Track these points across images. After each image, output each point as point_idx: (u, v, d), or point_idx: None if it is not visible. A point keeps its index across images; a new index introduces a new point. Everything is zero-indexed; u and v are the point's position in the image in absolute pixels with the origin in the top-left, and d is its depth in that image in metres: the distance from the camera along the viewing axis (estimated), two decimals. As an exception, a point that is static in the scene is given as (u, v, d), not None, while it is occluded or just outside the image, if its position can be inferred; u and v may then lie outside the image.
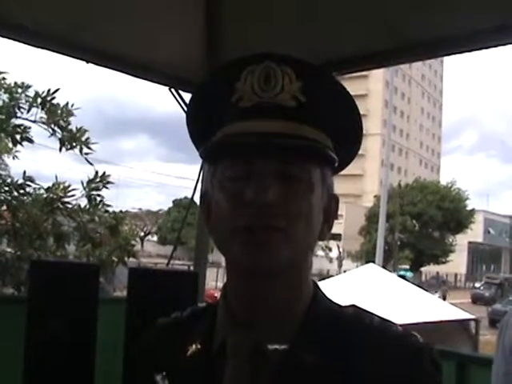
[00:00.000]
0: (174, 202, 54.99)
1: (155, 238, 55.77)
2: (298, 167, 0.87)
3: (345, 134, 0.93)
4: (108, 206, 6.48)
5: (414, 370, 0.84)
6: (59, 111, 6.18)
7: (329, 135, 0.91)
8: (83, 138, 6.21)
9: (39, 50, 3.22)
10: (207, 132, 0.93)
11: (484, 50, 2.73)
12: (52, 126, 6.20)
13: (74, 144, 6.19)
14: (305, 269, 0.92)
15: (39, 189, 6.12)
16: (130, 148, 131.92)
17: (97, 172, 6.23)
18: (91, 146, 6.28)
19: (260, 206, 0.83)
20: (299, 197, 0.87)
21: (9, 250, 6.30)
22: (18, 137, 6.09)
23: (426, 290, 14.59)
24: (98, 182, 6.22)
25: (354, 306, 0.94)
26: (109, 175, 6.31)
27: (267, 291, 0.88)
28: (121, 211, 6.93)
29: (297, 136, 0.86)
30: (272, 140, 0.85)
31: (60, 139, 6.22)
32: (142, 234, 48.91)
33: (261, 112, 0.86)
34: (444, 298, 27.30)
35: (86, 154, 6.27)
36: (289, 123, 0.86)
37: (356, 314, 0.92)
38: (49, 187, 6.12)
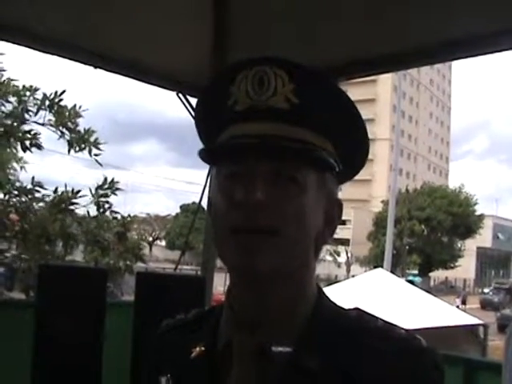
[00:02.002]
0: (181, 207, 55.08)
1: (163, 243, 55.82)
2: (289, 168, 0.87)
3: (346, 137, 0.93)
4: (116, 212, 6.50)
5: (416, 373, 0.84)
6: (67, 113, 6.21)
7: (327, 138, 0.91)
8: (92, 139, 6.24)
9: (49, 55, 3.25)
10: (211, 136, 0.95)
11: (491, 55, 2.73)
12: (60, 128, 6.22)
13: (83, 146, 6.22)
14: (306, 271, 0.92)
15: (48, 196, 6.14)
16: (139, 153, 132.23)
17: (106, 178, 6.24)
18: (100, 147, 6.30)
19: (248, 207, 0.83)
20: (290, 197, 0.86)
21: (16, 253, 6.33)
22: (27, 143, 6.12)
23: (435, 295, 14.50)
24: (107, 188, 6.23)
25: (357, 309, 0.94)
26: (117, 182, 6.31)
27: (266, 294, 0.88)
28: (129, 215, 6.93)
29: (289, 138, 0.86)
30: (263, 141, 0.85)
31: (68, 141, 6.24)
32: (151, 238, 49.02)
33: (254, 115, 0.87)
34: (464, 303, 32.74)
35: (96, 155, 6.30)
36: (281, 125, 0.87)
37: (359, 317, 0.91)
38: (56, 188, 6.15)
